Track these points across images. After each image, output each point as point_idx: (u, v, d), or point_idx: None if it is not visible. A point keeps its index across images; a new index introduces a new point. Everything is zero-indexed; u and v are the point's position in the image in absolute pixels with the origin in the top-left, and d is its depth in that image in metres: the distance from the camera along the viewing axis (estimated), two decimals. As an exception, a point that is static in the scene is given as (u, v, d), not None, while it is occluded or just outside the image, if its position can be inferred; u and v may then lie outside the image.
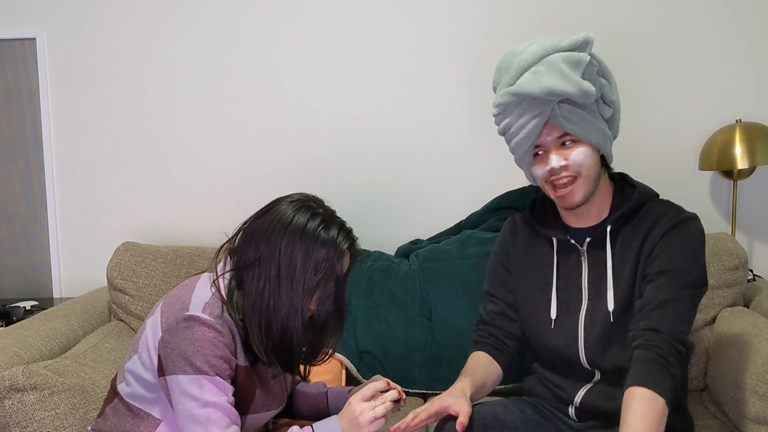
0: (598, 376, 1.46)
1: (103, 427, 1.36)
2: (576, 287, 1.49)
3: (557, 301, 1.50)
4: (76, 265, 2.53)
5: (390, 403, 1.30)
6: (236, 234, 1.33)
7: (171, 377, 1.24)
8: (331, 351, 1.42)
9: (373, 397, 1.30)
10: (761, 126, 2.19)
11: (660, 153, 2.35)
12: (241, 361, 1.30)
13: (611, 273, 1.44)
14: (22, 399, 1.48)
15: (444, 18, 2.37)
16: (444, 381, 2.00)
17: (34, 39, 2.45)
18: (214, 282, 1.30)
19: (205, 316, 1.23)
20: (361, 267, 2.16)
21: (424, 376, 2.03)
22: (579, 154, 1.40)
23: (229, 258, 1.33)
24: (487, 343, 1.57)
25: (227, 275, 1.31)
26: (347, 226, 1.33)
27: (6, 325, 2.10)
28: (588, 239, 1.48)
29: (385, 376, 2.01)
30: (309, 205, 1.31)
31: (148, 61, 2.45)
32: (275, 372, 1.39)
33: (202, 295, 1.28)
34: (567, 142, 1.40)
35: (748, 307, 2.02)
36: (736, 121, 2.23)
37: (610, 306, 1.43)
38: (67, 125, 2.49)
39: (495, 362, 1.55)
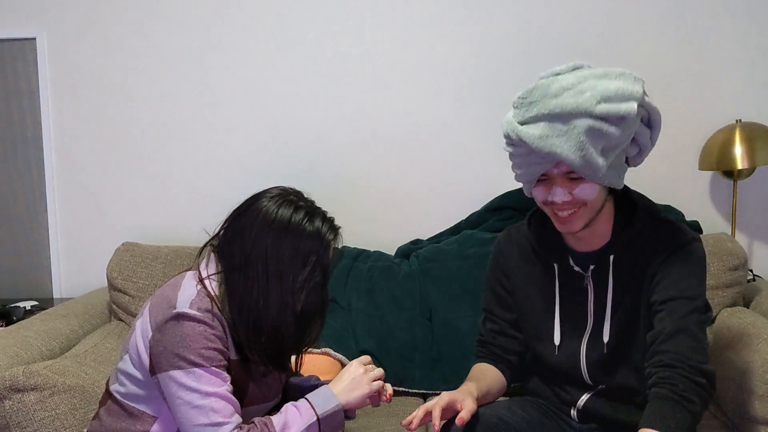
0: (602, 386, 1.46)
1: (98, 428, 1.35)
2: (581, 312, 1.46)
3: (560, 325, 1.47)
4: (76, 265, 2.52)
5: (381, 370, 1.38)
6: (218, 232, 1.34)
7: (165, 374, 1.24)
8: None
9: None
10: (761, 126, 2.19)
11: (660, 153, 2.34)
12: (233, 355, 1.30)
13: (611, 305, 1.42)
14: (23, 399, 1.48)
15: (445, 17, 2.37)
16: (444, 381, 2.00)
17: (34, 39, 2.45)
18: (200, 280, 1.30)
19: (193, 312, 1.24)
20: (361, 267, 2.16)
21: (424, 376, 2.03)
22: (584, 190, 1.33)
23: (213, 255, 1.33)
24: (489, 359, 1.55)
25: (214, 276, 1.31)
26: (329, 216, 1.34)
27: (6, 325, 2.10)
28: (592, 266, 1.44)
29: (385, 376, 2.01)
30: (290, 199, 1.31)
31: (149, 61, 2.44)
32: (265, 370, 1.39)
33: (188, 292, 1.28)
34: (575, 177, 1.32)
35: (748, 307, 2.02)
36: (736, 121, 2.23)
37: (605, 338, 1.42)
38: (67, 125, 2.48)
39: (499, 372, 1.53)
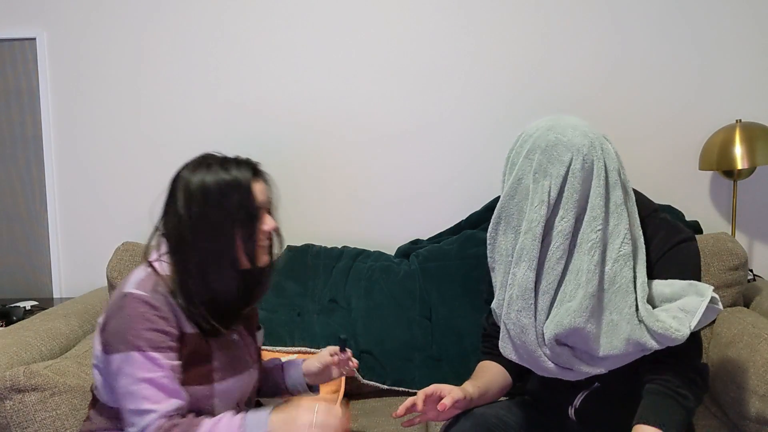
0: (596, 383, 1.46)
1: (90, 427, 1.36)
2: None
3: None
4: (76, 265, 2.52)
5: (339, 409, 1.25)
6: (160, 220, 1.35)
7: (109, 357, 1.25)
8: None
9: (332, 358, 1.50)
10: (761, 126, 2.19)
11: (660, 153, 2.36)
12: (188, 329, 1.30)
13: None
14: (23, 399, 1.48)
15: (447, 16, 2.37)
16: (444, 381, 1.96)
17: (34, 39, 2.45)
18: (149, 263, 1.32)
19: (138, 291, 1.26)
20: (361, 267, 2.16)
21: (424, 376, 2.03)
22: None
23: (165, 241, 1.34)
24: (494, 353, 1.54)
25: (165, 258, 1.32)
26: (242, 158, 1.35)
27: (6, 325, 2.10)
28: None
29: (385, 376, 2.01)
30: (200, 161, 1.34)
31: (148, 61, 2.44)
32: (230, 334, 1.38)
33: (137, 275, 1.30)
34: None
35: (748, 307, 2.02)
36: (736, 121, 2.23)
37: None
38: (67, 125, 2.48)
39: (503, 369, 1.52)
